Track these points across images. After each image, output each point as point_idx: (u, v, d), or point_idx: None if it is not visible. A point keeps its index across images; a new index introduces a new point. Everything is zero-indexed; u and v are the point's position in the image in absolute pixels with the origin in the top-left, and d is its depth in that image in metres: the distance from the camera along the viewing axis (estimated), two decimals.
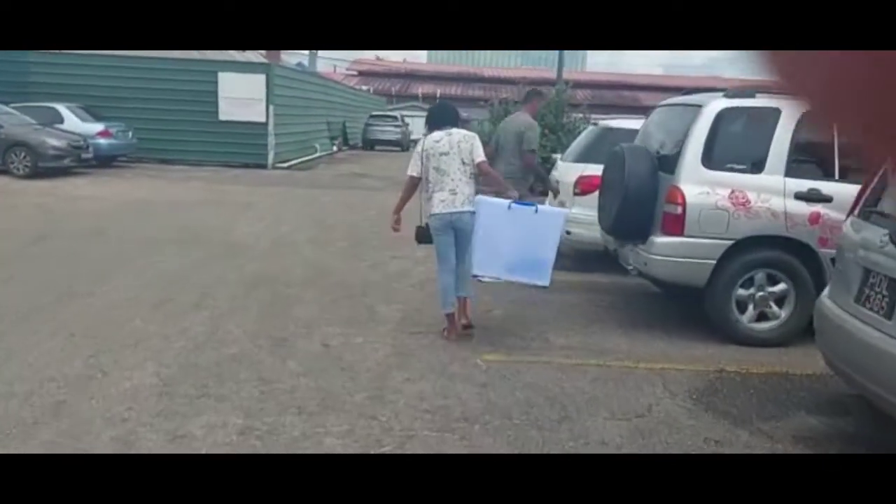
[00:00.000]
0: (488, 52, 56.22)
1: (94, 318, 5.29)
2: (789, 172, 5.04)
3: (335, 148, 27.55)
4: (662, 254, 5.13)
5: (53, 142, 14.85)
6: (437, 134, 5.01)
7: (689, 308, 5.70)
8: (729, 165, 5.08)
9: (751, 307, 5.18)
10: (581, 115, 15.80)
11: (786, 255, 5.07)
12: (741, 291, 5.15)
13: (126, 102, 19.04)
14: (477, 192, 5.10)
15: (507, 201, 4.99)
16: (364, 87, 39.39)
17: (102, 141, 16.95)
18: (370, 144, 30.51)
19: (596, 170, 7.21)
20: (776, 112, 5.00)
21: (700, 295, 5.24)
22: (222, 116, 19.57)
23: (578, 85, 26.12)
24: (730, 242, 5.03)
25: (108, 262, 7.15)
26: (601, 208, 5.93)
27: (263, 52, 36.10)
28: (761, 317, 5.21)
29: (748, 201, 4.99)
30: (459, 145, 4.93)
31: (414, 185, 5.14)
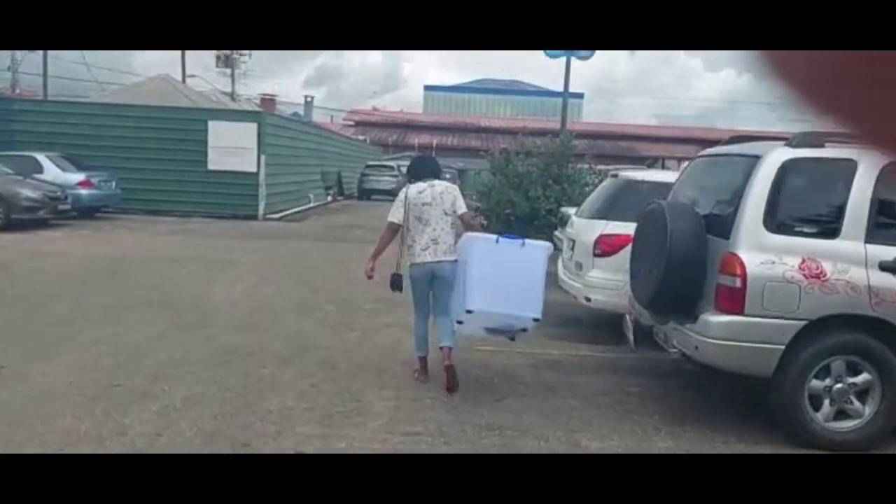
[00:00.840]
0: (485, 101, 56.12)
1: (15, 414, 4.28)
2: (871, 237, 4.12)
3: (329, 198, 26.76)
4: (718, 336, 4.17)
5: (27, 192, 13.98)
6: (420, 185, 5.17)
7: (737, 391, 4.74)
8: (798, 229, 4.16)
9: (827, 403, 4.20)
10: (587, 166, 15.03)
11: (870, 338, 4.12)
12: (815, 383, 4.18)
13: (112, 151, 18.25)
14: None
15: (493, 236, 5.15)
16: (360, 137, 38.91)
17: (83, 191, 16.08)
18: (366, 194, 29.73)
19: (619, 228, 6.32)
20: (852, 164, 4.11)
21: (763, 386, 4.26)
22: (212, 166, 18.77)
23: (577, 135, 25.58)
24: (802, 323, 4.08)
25: (56, 333, 6.15)
26: (634, 276, 5.00)
27: (257, 101, 35.81)
28: (840, 415, 4.23)
29: (823, 272, 4.06)
30: (442, 196, 5.09)
31: (394, 231, 5.24)
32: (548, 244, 5.27)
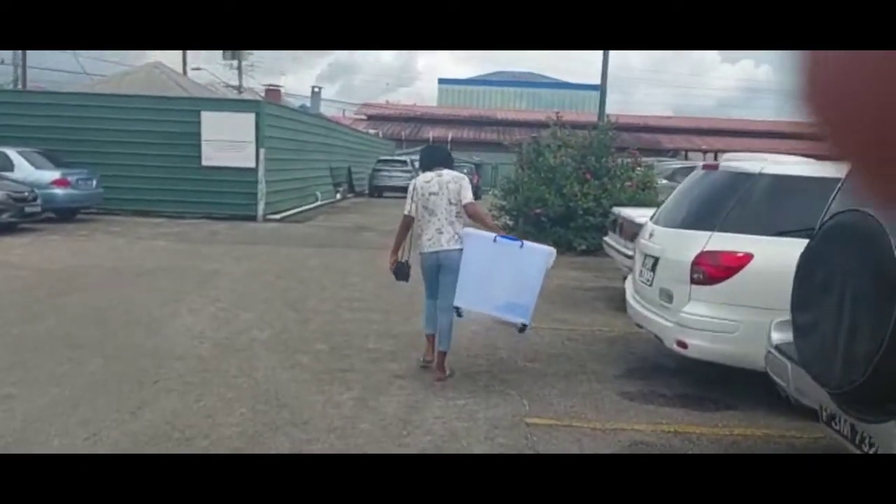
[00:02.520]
0: (500, 94, 54.10)
1: None
2: None
3: (339, 196, 24.86)
4: None
5: None
6: (427, 174, 5.17)
7: None
8: None
9: None
10: (631, 160, 13.02)
11: None
12: None
13: (96, 146, 16.50)
14: None
15: (492, 234, 5.02)
16: (372, 131, 36.99)
17: (58, 191, 14.30)
18: (378, 191, 27.82)
19: (730, 242, 4.37)
20: None
21: None
22: (206, 161, 16.95)
23: (595, 128, 23.37)
24: None
25: None
26: (803, 333, 3.04)
27: (262, 91, 33.93)
28: None
29: None
30: (448, 186, 5.04)
31: (408, 223, 5.26)
32: (550, 249, 4.99)
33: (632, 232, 7.34)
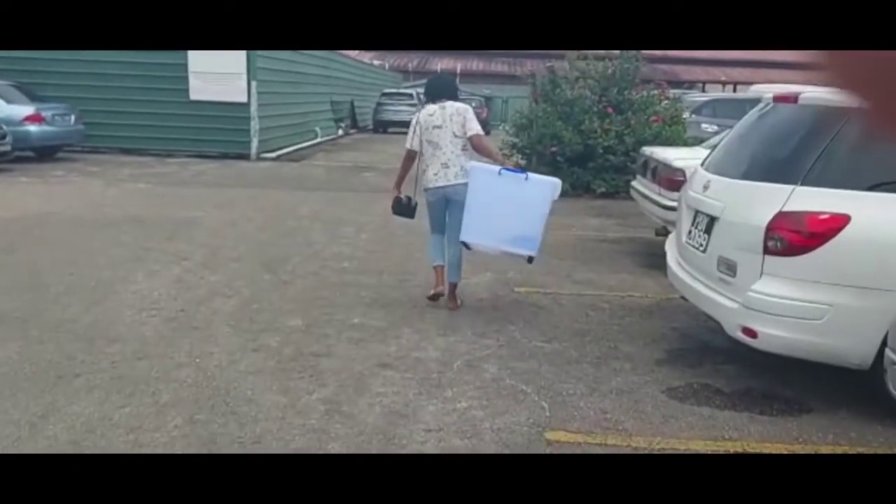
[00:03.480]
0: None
1: None
2: None
3: (341, 132, 23.55)
4: None
5: None
6: (431, 107, 5.03)
7: None
8: None
9: None
10: (657, 91, 11.70)
11: None
12: None
13: (77, 79, 15.28)
14: None
15: (497, 167, 4.85)
16: (377, 63, 35.22)
17: (32, 128, 13.18)
18: (382, 126, 26.43)
19: (820, 200, 3.28)
20: None
21: None
22: (194, 95, 15.72)
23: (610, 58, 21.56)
24: None
25: None
26: None
27: None
28: None
29: None
30: (452, 118, 4.91)
31: (411, 158, 5.11)
32: (555, 180, 4.88)
33: (667, 177, 6.20)
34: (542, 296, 5.54)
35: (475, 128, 4.88)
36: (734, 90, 37.06)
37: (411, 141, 5.02)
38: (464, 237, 4.83)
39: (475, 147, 4.93)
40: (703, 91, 33.35)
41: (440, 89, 5.11)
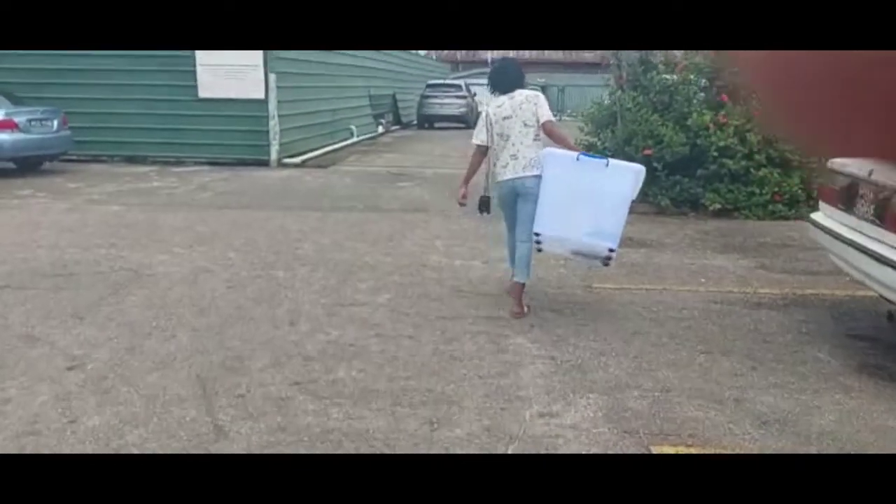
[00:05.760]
0: None
1: None
2: None
3: (381, 129, 20.97)
4: None
5: None
6: (500, 98, 4.85)
7: None
8: None
9: None
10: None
11: None
12: None
13: (70, 77, 13.09)
14: None
15: (574, 153, 4.64)
16: (423, 52, 32.55)
17: (2, 136, 10.97)
18: (427, 121, 23.81)
19: None
20: None
21: None
22: (204, 92, 13.39)
23: None
24: None
25: None
26: None
27: None
28: None
29: None
30: (521, 107, 4.73)
31: (482, 154, 4.94)
32: (639, 167, 4.58)
33: None
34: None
35: (547, 114, 4.68)
36: None
37: (481, 136, 4.82)
38: (537, 228, 4.60)
39: (548, 134, 4.70)
40: None
41: (505, 78, 4.85)
